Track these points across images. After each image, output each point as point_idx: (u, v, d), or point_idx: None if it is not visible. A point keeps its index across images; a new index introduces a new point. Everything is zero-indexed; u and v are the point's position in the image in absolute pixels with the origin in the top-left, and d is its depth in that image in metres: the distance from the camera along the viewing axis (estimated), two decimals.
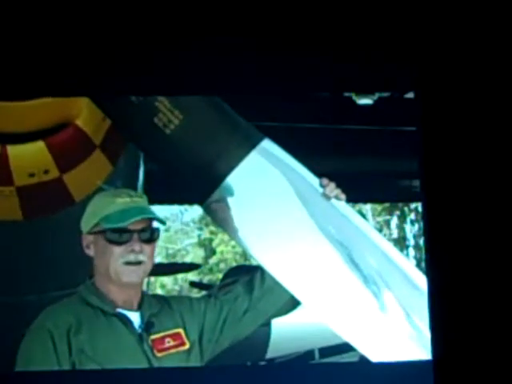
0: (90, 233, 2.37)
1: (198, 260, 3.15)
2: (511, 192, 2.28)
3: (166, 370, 2.35)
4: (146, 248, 2.37)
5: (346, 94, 2.88)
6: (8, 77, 2.40)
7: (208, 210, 2.54)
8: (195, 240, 3.18)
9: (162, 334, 2.37)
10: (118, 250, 2.34)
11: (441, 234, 2.29)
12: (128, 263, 2.34)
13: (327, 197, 2.50)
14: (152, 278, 2.82)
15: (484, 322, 2.23)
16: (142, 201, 2.40)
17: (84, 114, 2.64)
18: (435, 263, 2.29)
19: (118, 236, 2.34)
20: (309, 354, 2.92)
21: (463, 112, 2.31)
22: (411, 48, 2.36)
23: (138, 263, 2.35)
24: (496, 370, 2.21)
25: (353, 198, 2.63)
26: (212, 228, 3.15)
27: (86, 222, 2.38)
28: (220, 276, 3.01)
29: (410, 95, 2.66)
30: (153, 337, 2.35)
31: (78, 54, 2.42)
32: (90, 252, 2.38)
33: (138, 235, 2.36)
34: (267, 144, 2.54)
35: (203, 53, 2.44)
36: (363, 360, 2.49)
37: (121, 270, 2.34)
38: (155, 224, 2.40)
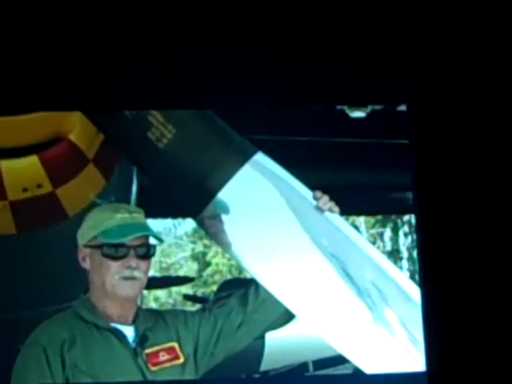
0: (86, 246, 2.37)
1: (192, 273, 3.14)
2: (504, 204, 2.30)
3: (161, 383, 2.35)
4: (142, 264, 2.37)
5: (339, 107, 2.89)
6: (0, 91, 2.41)
7: (201, 224, 2.55)
8: (189, 253, 3.17)
9: (156, 348, 2.37)
10: (114, 264, 2.34)
11: (434, 246, 2.30)
12: (124, 278, 2.35)
13: (321, 210, 2.51)
14: (145, 292, 2.81)
15: (478, 333, 2.23)
16: (140, 217, 2.40)
17: (77, 128, 2.64)
18: (428, 275, 2.30)
19: (114, 251, 2.35)
20: (303, 366, 2.90)
21: (455, 124, 2.33)
22: (404, 61, 2.38)
23: (134, 278, 2.36)
24: (490, 381, 2.22)
25: (346, 211, 2.63)
26: (206, 241, 3.14)
27: (84, 235, 2.38)
28: (214, 288, 3.00)
29: (403, 108, 2.67)
30: (147, 351, 2.35)
31: (71, 68, 2.43)
32: (86, 265, 2.38)
33: (135, 251, 2.36)
34: (260, 157, 2.54)
35: (196, 66, 2.45)
36: (357, 372, 2.49)
37: (117, 284, 2.34)
38: (151, 240, 2.41)
